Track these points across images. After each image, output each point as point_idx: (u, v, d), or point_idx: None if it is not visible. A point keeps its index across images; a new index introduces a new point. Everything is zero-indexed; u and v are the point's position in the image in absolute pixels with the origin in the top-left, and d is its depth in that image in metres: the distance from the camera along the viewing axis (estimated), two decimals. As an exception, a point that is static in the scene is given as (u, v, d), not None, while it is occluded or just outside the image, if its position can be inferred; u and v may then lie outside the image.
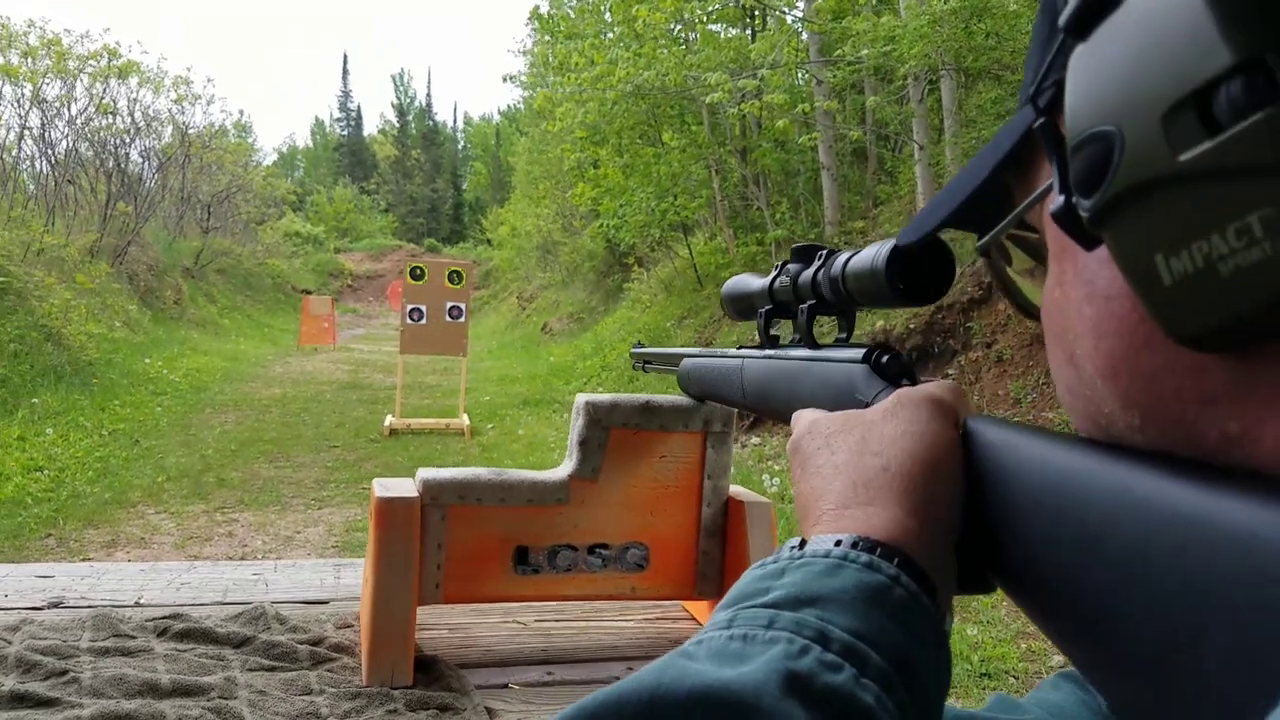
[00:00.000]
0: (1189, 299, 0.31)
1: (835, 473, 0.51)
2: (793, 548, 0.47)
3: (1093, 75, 0.33)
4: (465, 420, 8.74)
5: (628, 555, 1.71)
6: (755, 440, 7.37)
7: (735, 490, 1.77)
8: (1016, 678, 3.39)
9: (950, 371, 6.87)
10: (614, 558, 1.70)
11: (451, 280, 8.78)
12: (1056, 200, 0.36)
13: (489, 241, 32.77)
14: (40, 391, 8.13)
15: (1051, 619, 0.42)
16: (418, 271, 8.79)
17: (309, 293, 21.52)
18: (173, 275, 17.13)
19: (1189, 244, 0.30)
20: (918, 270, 0.73)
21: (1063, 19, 0.34)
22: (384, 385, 11.57)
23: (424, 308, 8.70)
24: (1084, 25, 0.34)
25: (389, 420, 8.60)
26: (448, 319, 8.74)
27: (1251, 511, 0.30)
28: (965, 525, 0.48)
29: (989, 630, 3.77)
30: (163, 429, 8.32)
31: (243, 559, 4.66)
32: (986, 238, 0.47)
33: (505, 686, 1.57)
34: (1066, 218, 0.35)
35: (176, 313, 15.86)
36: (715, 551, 1.74)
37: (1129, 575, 0.35)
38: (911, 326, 7.38)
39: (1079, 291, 0.39)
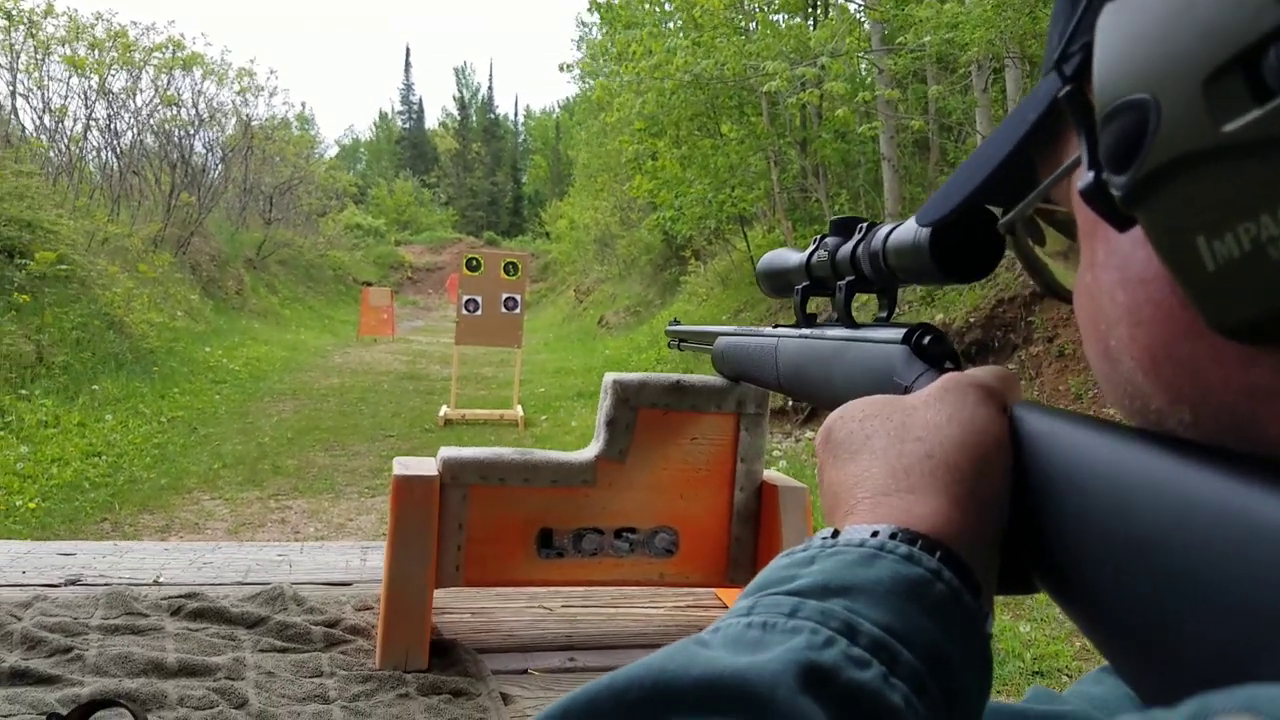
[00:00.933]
0: (1234, 285, 0.28)
1: (873, 459, 0.47)
2: (825, 537, 0.43)
3: (1124, 37, 0.30)
4: (519, 411, 8.76)
5: (656, 540, 1.62)
6: (810, 434, 7.23)
7: (769, 475, 1.68)
8: (1070, 676, 3.25)
9: (1011, 366, 6.65)
10: (642, 542, 1.62)
11: (507, 272, 8.80)
12: (1085, 176, 0.33)
13: (547, 235, 32.96)
14: (101, 379, 8.32)
15: (1097, 626, 0.38)
16: (474, 263, 8.82)
17: (369, 284, 21.86)
18: (235, 265, 17.51)
19: (1234, 225, 0.27)
20: (963, 245, 0.68)
21: None
22: (440, 376, 11.66)
23: (480, 299, 8.74)
24: None
25: (444, 410, 8.65)
26: (503, 310, 8.77)
27: None
28: (1010, 520, 0.44)
29: (1042, 628, 3.63)
30: (221, 417, 8.47)
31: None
32: (1009, 216, 0.44)
33: (525, 672, 1.50)
34: (1097, 196, 0.32)
35: (238, 303, 16.20)
36: (748, 537, 1.65)
37: (1183, 584, 0.32)
38: (971, 320, 7.18)
39: (1111, 275, 0.36)
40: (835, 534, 0.43)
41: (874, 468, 0.46)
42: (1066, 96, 0.35)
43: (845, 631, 0.36)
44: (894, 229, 0.78)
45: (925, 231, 0.69)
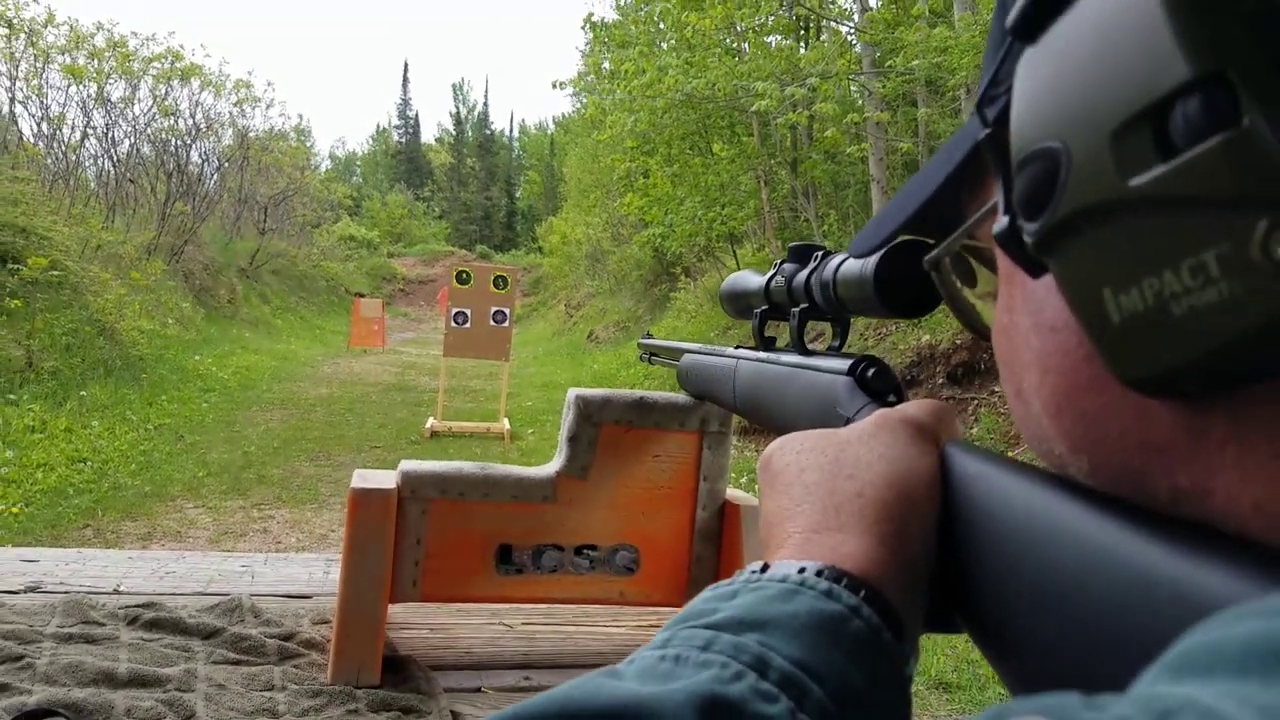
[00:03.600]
0: (1138, 339, 0.28)
1: (805, 493, 0.48)
2: (753, 571, 0.43)
3: (1040, 84, 0.30)
4: (506, 424, 8.74)
5: (617, 558, 1.62)
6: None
7: (732, 493, 1.68)
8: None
9: (996, 388, 6.67)
10: (602, 560, 1.62)
11: (497, 285, 8.81)
12: (1000, 221, 0.33)
13: (540, 249, 33.00)
14: (90, 385, 8.29)
15: (1007, 665, 0.39)
16: (464, 276, 8.84)
17: (361, 295, 21.79)
18: (228, 275, 17.48)
19: (1139, 279, 0.27)
20: (907, 281, 0.70)
21: (1010, 19, 0.31)
22: (429, 388, 11.63)
23: (469, 311, 8.75)
24: (1031, 28, 0.30)
25: (430, 422, 8.63)
26: (492, 323, 8.78)
27: (1225, 581, 0.27)
28: (937, 559, 0.45)
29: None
30: (208, 425, 8.44)
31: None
32: (932, 254, 0.45)
33: (478, 690, 1.50)
34: (1010, 241, 0.32)
35: (230, 311, 16.16)
36: (710, 557, 1.65)
37: (1084, 630, 0.32)
38: (958, 342, 7.19)
39: (1026, 320, 0.36)
40: (765, 568, 0.43)
41: (805, 503, 0.47)
42: (986, 139, 0.35)
43: (755, 665, 0.36)
44: (844, 260, 0.78)
45: (871, 265, 0.70)
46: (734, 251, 13.69)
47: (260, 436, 8.08)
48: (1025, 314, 0.36)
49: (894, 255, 0.69)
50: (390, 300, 27.26)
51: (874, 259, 0.71)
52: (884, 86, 9.88)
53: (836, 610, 0.39)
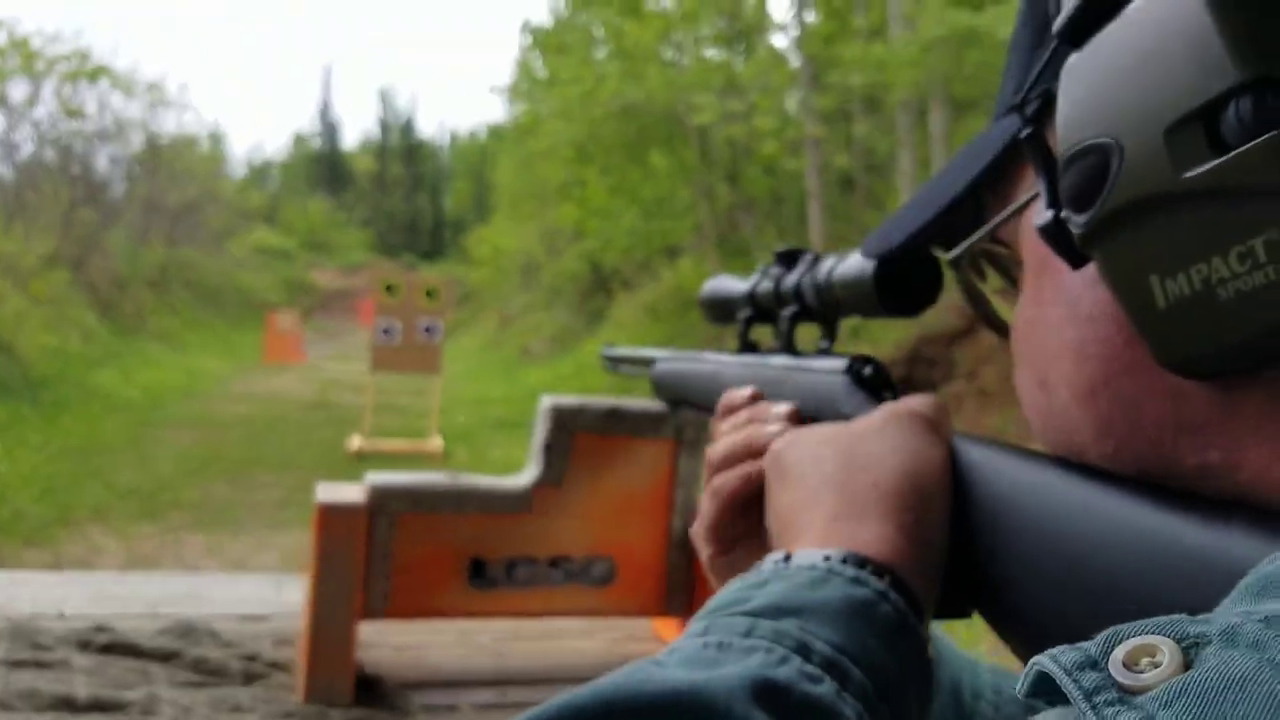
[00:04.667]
0: (1184, 323, 0.30)
1: (823, 485, 0.48)
2: (777, 560, 0.44)
3: (1090, 84, 0.32)
4: (439, 442, 8.56)
5: (592, 569, 1.60)
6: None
7: (708, 502, 1.68)
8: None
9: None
10: (577, 571, 1.59)
11: (428, 297, 8.66)
12: (1043, 215, 0.34)
13: (469, 260, 32.65)
14: (-14, 404, 7.89)
15: (1027, 647, 0.39)
16: (392, 287, 8.66)
17: (277, 308, 21.25)
18: (135, 286, 16.85)
19: (1187, 266, 0.29)
20: (905, 279, 0.70)
21: (1057, 25, 0.33)
22: (353, 405, 11.35)
23: (398, 324, 8.56)
24: (1080, 33, 0.32)
25: (356, 441, 8.39)
26: (422, 336, 8.61)
27: (1249, 546, 0.28)
28: (949, 546, 0.46)
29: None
30: (115, 446, 8.09)
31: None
32: (958, 250, 0.46)
33: (454, 708, 1.46)
34: (1055, 234, 0.34)
35: (137, 325, 15.58)
36: (685, 565, 1.65)
37: (1106, 604, 0.33)
38: (895, 356, 7.37)
39: (1059, 312, 0.38)
40: (787, 557, 0.44)
41: (824, 494, 0.48)
42: (1028, 138, 0.36)
43: (799, 650, 0.36)
44: (839, 261, 0.79)
45: (870, 264, 0.71)
46: (673, 264, 13.76)
47: (172, 457, 7.77)
48: (1058, 305, 0.38)
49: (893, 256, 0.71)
50: (308, 313, 26.60)
51: (873, 260, 0.72)
52: (822, 101, 10.07)
53: (866, 595, 0.40)
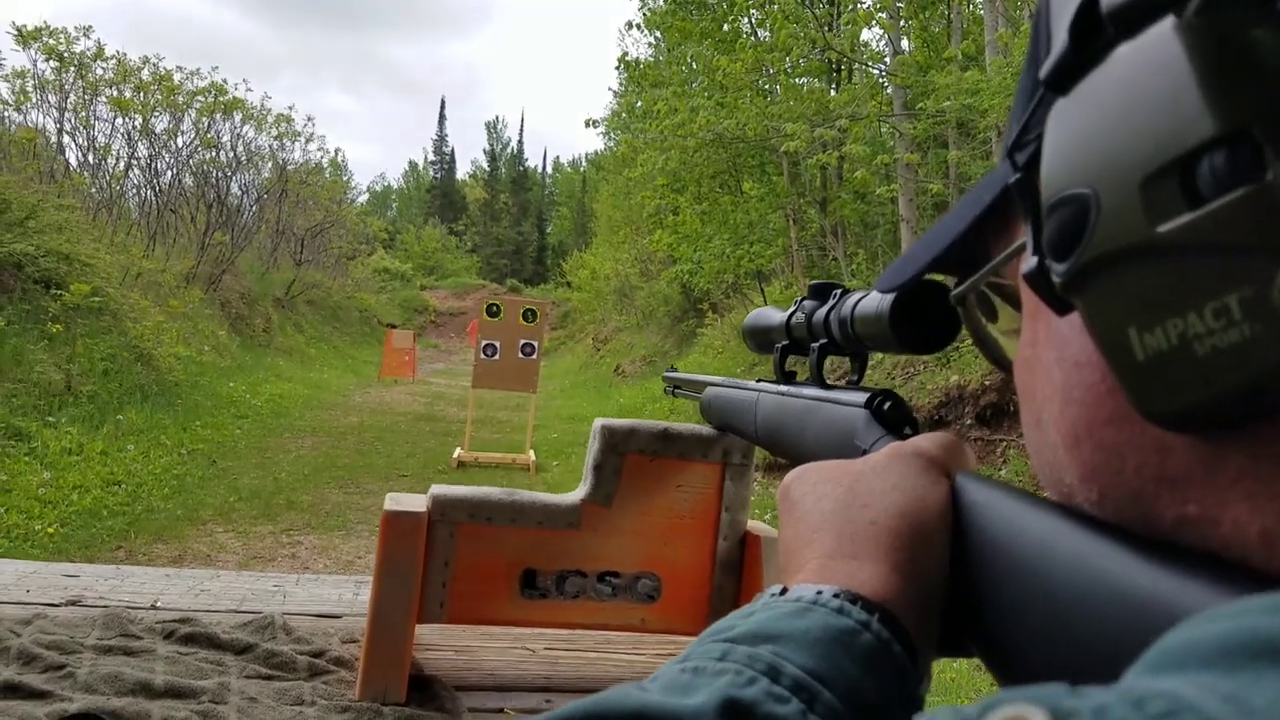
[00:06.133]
0: (1161, 377, 0.29)
1: (823, 521, 0.50)
2: (773, 593, 0.46)
3: (1071, 133, 0.31)
4: (531, 456, 8.77)
5: (638, 585, 1.65)
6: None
7: (753, 525, 1.71)
8: None
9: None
10: (624, 587, 1.65)
11: (526, 318, 8.90)
12: (1029, 261, 0.34)
13: (569, 284, 33.23)
14: (126, 409, 8.43)
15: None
16: (494, 309, 8.94)
17: (394, 327, 22.02)
18: (263, 304, 17.75)
19: (1164, 320, 0.28)
20: (921, 318, 0.73)
21: (1043, 71, 0.32)
22: (457, 418, 11.70)
23: (498, 344, 8.83)
24: (1064, 80, 0.32)
25: (458, 452, 8.68)
26: (520, 356, 8.85)
27: (1222, 603, 0.28)
28: (949, 585, 0.47)
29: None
30: (240, 451, 8.54)
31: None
32: (959, 289, 0.47)
33: (501, 711, 1.53)
34: (1038, 280, 0.34)
35: (264, 340, 16.39)
36: (730, 587, 1.68)
37: (1092, 654, 0.33)
38: (987, 383, 7.16)
39: (1050, 354, 0.38)
40: (784, 591, 0.46)
41: (823, 531, 0.49)
42: (1016, 184, 0.36)
43: (768, 672, 0.38)
44: (862, 297, 0.81)
45: (888, 302, 0.73)
46: (761, 289, 13.73)
47: (291, 463, 8.16)
48: (1049, 348, 0.38)
49: (910, 294, 0.72)
50: (421, 332, 27.50)
51: (890, 297, 0.73)
52: (914, 128, 9.93)
53: (847, 625, 0.41)
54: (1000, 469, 6.45)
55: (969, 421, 7.22)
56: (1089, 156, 0.30)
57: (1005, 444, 6.79)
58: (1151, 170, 0.27)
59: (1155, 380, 0.29)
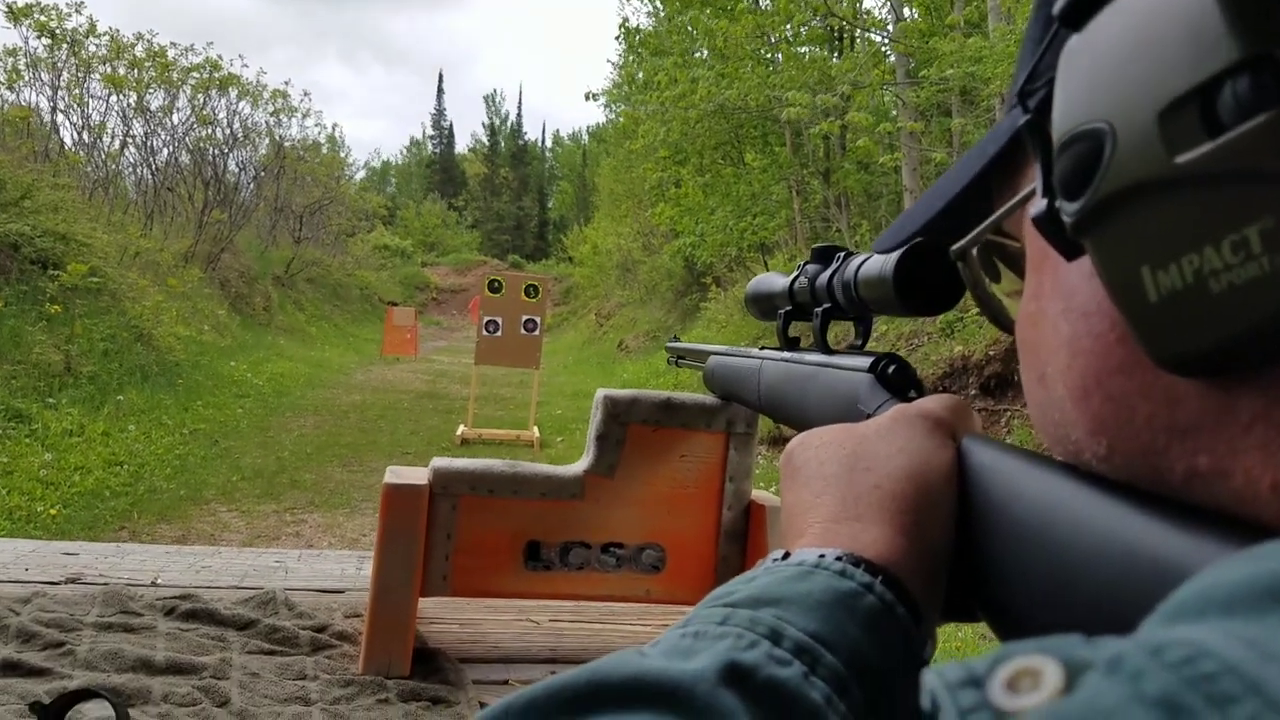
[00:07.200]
0: (1175, 318, 0.29)
1: (825, 486, 0.49)
2: (775, 558, 0.46)
3: (1085, 68, 0.31)
4: (535, 432, 8.79)
5: (643, 556, 1.64)
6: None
7: (758, 494, 1.69)
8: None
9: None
10: (628, 558, 1.63)
11: (528, 294, 8.89)
12: (1038, 203, 0.33)
13: (571, 259, 33.19)
14: (127, 389, 8.43)
15: None
16: (495, 285, 8.93)
17: (394, 304, 22.00)
18: (263, 283, 17.73)
19: (1179, 257, 0.28)
20: (925, 279, 0.71)
21: (1057, 7, 0.32)
22: (460, 395, 11.72)
23: (500, 320, 8.82)
24: (1079, 14, 0.31)
25: (461, 429, 8.70)
26: (523, 332, 8.85)
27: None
28: (955, 548, 0.46)
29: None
30: (242, 430, 8.55)
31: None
32: (963, 241, 0.46)
33: (505, 683, 1.52)
34: (1048, 223, 0.33)
35: (265, 319, 16.38)
36: (735, 556, 1.66)
37: (1101, 615, 0.33)
38: (991, 353, 7.14)
39: (1056, 305, 0.37)
40: (786, 555, 0.45)
41: (826, 495, 0.48)
42: (1028, 125, 0.35)
43: (770, 635, 0.38)
44: (865, 260, 0.79)
45: (891, 263, 0.71)
46: (765, 261, 13.69)
47: (294, 442, 8.17)
48: (1056, 299, 0.37)
49: (912, 254, 0.70)
50: (423, 309, 27.52)
51: (893, 258, 0.71)
52: (918, 96, 9.85)
53: (850, 587, 0.41)
54: (1005, 439, 6.44)
55: (973, 392, 7.20)
56: (1104, 90, 0.29)
57: (1010, 414, 6.78)
58: (1171, 100, 0.26)
59: (1168, 322, 0.29)
